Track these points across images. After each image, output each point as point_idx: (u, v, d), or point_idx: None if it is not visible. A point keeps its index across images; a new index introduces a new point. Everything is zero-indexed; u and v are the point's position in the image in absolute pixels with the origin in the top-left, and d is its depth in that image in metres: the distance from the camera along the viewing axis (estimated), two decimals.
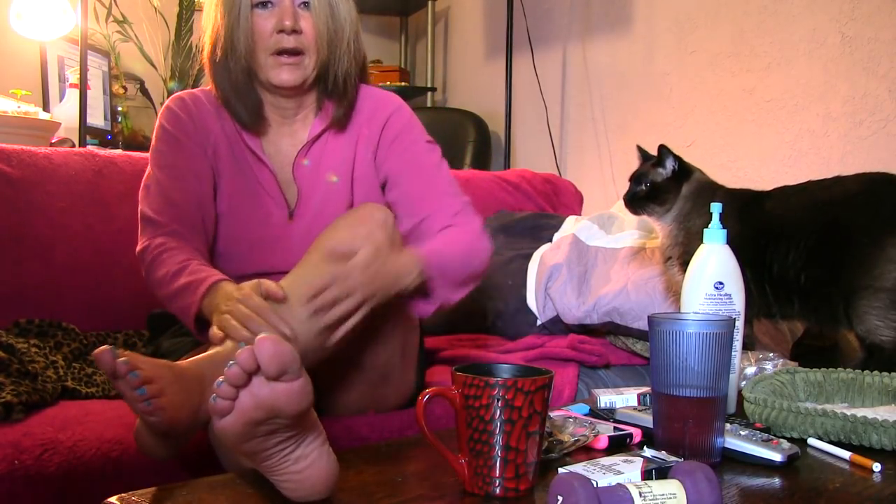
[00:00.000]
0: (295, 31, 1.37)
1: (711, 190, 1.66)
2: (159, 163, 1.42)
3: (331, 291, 1.16)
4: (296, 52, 1.39)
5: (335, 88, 1.45)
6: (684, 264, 1.63)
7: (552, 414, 1.13)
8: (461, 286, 1.40)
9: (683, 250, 1.65)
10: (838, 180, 1.59)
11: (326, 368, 1.21)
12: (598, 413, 1.21)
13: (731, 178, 2.42)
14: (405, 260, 1.29)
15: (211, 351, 1.11)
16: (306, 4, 1.39)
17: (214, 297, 1.21)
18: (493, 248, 1.48)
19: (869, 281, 1.47)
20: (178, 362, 1.04)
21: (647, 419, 1.07)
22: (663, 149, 1.70)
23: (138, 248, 1.35)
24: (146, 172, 1.43)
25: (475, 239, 1.45)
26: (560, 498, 0.77)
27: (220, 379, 0.78)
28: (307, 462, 0.84)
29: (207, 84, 1.49)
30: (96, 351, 0.92)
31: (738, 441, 1.01)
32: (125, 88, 2.77)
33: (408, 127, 1.52)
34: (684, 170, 1.68)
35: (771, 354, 1.57)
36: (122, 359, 0.92)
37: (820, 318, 1.59)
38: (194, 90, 1.50)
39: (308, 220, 1.45)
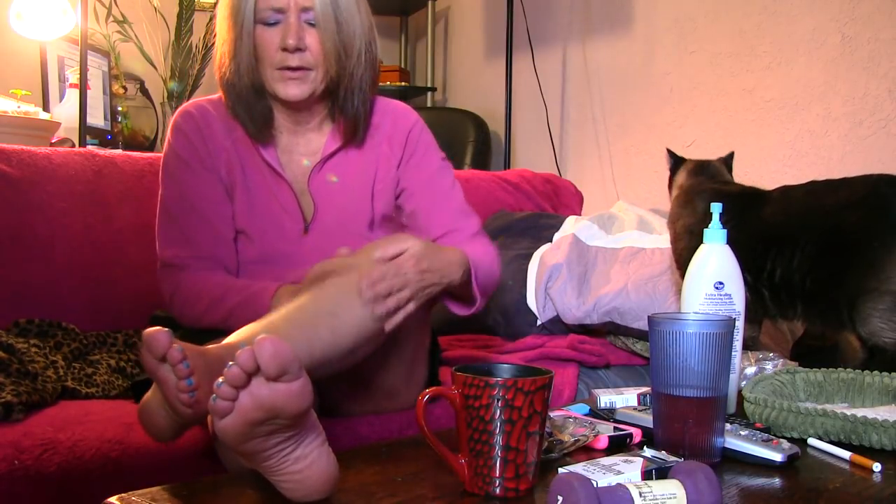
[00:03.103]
0: (299, 49, 1.35)
1: (693, 192, 1.68)
2: (172, 192, 1.42)
3: (385, 283, 1.18)
4: (301, 69, 1.37)
5: (345, 104, 1.43)
6: (675, 262, 1.67)
7: (552, 414, 1.13)
8: (486, 295, 1.44)
9: (673, 248, 1.68)
10: (845, 182, 1.58)
11: (333, 384, 1.21)
12: (598, 413, 1.21)
13: None
14: (453, 256, 1.32)
15: (233, 338, 1.10)
16: (312, 21, 1.36)
17: (283, 299, 1.24)
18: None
19: (875, 284, 1.46)
20: (208, 347, 1.02)
21: (647, 419, 1.07)
22: (667, 151, 1.76)
23: (166, 294, 1.38)
24: (159, 197, 1.43)
25: (495, 255, 1.50)
26: (560, 498, 0.77)
27: (220, 379, 0.78)
28: (307, 462, 0.84)
29: (216, 91, 1.47)
30: (151, 330, 0.90)
31: (738, 441, 1.01)
32: (125, 88, 2.77)
33: (425, 144, 1.54)
34: (673, 173, 1.75)
35: (771, 354, 1.57)
36: (177, 346, 0.91)
37: (824, 320, 1.58)
38: (202, 100, 1.48)
39: (323, 234, 1.44)
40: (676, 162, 1.77)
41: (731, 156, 1.80)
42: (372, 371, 1.30)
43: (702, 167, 1.74)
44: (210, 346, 1.03)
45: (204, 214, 1.40)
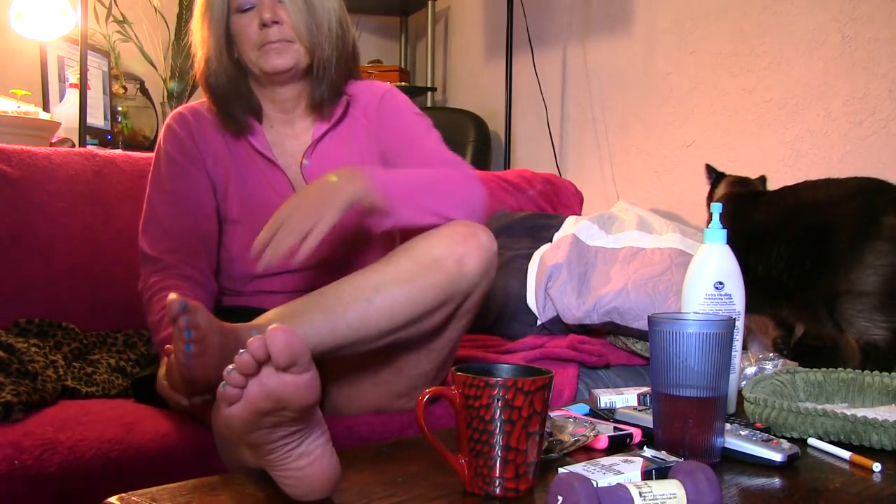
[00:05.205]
0: (276, 23, 1.41)
1: (724, 198, 1.73)
2: (157, 188, 1.46)
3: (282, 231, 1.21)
4: (281, 41, 1.42)
5: (316, 78, 1.47)
6: None
7: (552, 414, 1.13)
8: (429, 211, 1.34)
9: None
10: (827, 183, 1.62)
11: (340, 372, 1.24)
12: (598, 413, 1.21)
13: None
14: (331, 183, 1.28)
15: (255, 321, 1.15)
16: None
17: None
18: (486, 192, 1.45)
19: (847, 286, 1.49)
20: (233, 325, 1.10)
21: (647, 419, 1.07)
22: (706, 168, 1.91)
23: (139, 286, 1.41)
24: (146, 195, 1.46)
25: (458, 173, 1.43)
26: (560, 498, 0.77)
27: (231, 367, 0.79)
28: (309, 459, 0.84)
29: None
30: (172, 296, 0.99)
31: (738, 441, 1.01)
32: (125, 88, 2.77)
33: (398, 103, 1.56)
34: (714, 187, 1.83)
35: (771, 354, 1.58)
36: (186, 316, 1.00)
37: (805, 318, 1.61)
38: (195, 104, 1.53)
39: None
40: (717, 177, 1.89)
41: (762, 179, 1.93)
42: (400, 355, 1.31)
43: (740, 181, 1.78)
44: (229, 325, 1.09)
45: (185, 209, 1.44)
